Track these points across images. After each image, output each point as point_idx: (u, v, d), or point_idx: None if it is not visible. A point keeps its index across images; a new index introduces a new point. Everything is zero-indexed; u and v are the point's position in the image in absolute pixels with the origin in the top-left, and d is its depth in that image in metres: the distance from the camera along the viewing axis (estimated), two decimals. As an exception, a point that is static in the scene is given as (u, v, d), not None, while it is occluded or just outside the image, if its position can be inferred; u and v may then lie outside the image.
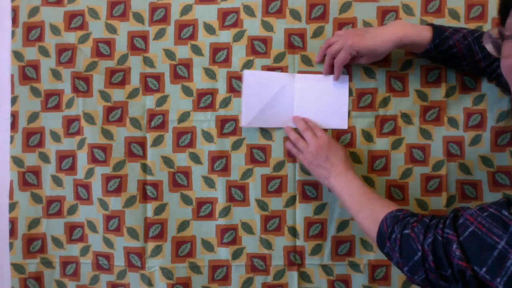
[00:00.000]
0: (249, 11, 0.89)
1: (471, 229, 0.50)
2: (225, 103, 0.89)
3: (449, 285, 0.53)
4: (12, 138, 0.90)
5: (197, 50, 0.89)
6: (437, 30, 0.76)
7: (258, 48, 0.88)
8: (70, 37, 0.90)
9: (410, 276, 0.57)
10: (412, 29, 0.76)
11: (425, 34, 0.76)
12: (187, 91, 0.89)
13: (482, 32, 0.77)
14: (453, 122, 0.87)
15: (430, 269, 0.54)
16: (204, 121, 0.89)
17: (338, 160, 0.78)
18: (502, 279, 0.46)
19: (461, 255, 0.50)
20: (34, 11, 0.90)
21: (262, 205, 0.89)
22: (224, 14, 0.89)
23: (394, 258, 0.61)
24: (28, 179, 0.90)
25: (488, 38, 0.56)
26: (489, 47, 0.56)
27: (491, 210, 0.50)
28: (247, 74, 0.88)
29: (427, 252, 0.54)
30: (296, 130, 0.86)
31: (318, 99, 0.87)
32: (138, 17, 0.90)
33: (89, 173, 0.89)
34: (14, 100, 0.90)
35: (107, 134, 0.89)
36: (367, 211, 0.69)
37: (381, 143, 0.88)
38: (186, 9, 0.89)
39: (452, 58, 0.78)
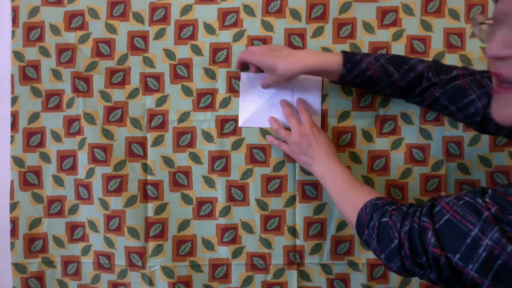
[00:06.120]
0: (249, 11, 0.88)
1: (446, 217, 0.51)
2: (225, 103, 0.89)
3: (424, 272, 0.54)
4: (12, 138, 0.90)
5: (197, 50, 0.89)
6: (347, 55, 0.76)
7: (258, 48, 0.88)
8: (70, 37, 0.90)
9: (387, 263, 0.58)
10: (321, 56, 0.77)
11: (334, 60, 0.76)
12: (187, 91, 0.89)
13: (393, 55, 0.78)
14: (452, 122, 0.87)
15: (405, 256, 0.55)
16: (204, 121, 0.89)
17: (321, 146, 0.78)
18: (474, 265, 0.48)
19: (436, 242, 0.51)
20: (34, 11, 0.90)
21: (262, 205, 0.89)
22: (224, 14, 0.89)
23: (372, 246, 0.62)
24: (29, 179, 0.91)
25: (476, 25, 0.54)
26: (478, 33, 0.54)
27: (466, 199, 0.51)
28: (243, 76, 0.88)
29: (403, 239, 0.55)
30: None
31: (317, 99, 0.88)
32: (138, 17, 0.90)
33: (90, 173, 0.89)
34: (14, 100, 0.90)
35: (108, 134, 0.89)
36: (348, 198, 0.70)
37: (381, 143, 0.88)
38: (186, 9, 0.89)
39: (369, 81, 0.76)
